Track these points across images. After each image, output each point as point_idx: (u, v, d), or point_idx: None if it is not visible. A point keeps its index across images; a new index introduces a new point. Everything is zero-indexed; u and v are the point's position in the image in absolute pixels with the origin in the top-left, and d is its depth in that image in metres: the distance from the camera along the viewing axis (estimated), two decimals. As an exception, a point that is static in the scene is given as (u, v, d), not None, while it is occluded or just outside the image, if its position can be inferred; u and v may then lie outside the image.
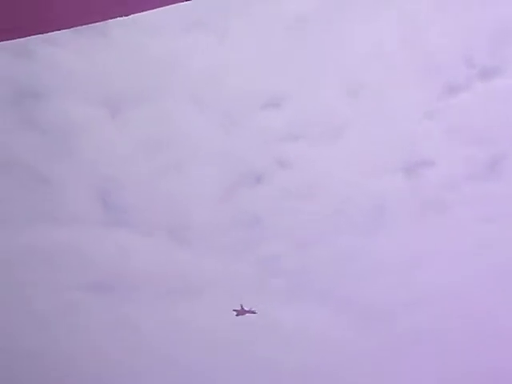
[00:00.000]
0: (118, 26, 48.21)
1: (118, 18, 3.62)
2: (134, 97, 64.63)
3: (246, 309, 51.56)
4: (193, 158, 68.63)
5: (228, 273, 64.03)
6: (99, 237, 70.96)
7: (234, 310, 52.38)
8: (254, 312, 50.32)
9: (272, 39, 55.22)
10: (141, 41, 55.62)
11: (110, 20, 3.60)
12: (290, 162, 60.81)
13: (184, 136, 67.94)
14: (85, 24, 3.57)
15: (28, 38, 3.63)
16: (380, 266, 52.77)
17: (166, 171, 71.65)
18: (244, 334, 53.20)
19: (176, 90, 60.82)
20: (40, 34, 3.63)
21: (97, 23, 3.58)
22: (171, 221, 71.84)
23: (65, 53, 57.50)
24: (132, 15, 3.65)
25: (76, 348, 58.82)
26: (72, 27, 3.70)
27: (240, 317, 53.19)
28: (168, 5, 3.54)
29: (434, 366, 46.71)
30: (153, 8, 3.55)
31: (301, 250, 61.73)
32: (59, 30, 3.62)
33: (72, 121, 68.81)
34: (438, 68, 55.46)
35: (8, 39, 3.63)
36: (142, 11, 3.53)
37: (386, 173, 54.87)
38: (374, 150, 55.38)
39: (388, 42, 54.51)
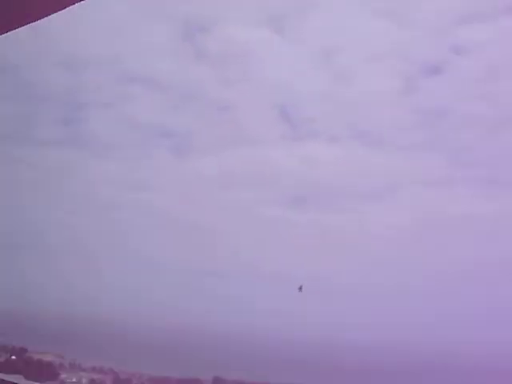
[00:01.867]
0: None
1: None
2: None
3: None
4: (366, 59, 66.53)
5: (419, 170, 62.74)
6: (288, 151, 71.67)
7: None
8: None
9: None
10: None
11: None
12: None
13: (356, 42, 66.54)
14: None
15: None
16: None
17: (341, 77, 71.05)
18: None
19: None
20: None
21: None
22: (357, 125, 70.98)
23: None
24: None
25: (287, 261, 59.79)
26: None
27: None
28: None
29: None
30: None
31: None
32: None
33: (239, 46, 68.70)
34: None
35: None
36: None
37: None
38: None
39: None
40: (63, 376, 34.05)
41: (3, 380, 3.17)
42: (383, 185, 67.92)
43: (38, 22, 3.06)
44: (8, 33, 3.28)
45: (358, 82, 68.83)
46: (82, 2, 2.82)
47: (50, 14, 2.93)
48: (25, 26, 3.18)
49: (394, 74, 69.17)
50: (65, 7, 2.88)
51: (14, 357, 33.04)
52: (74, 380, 33.45)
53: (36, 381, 26.05)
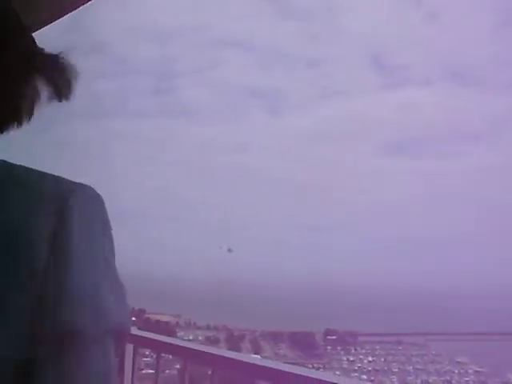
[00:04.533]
0: None
1: None
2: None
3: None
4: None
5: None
6: (384, 100, 73.66)
7: None
8: None
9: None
10: None
11: None
12: None
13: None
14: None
15: None
16: None
17: (431, 18, 70.32)
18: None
19: None
20: None
21: None
22: (452, 66, 71.09)
23: None
24: None
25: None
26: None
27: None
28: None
29: None
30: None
31: None
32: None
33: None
34: None
35: None
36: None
37: None
38: None
39: None
40: (180, 334, 35.84)
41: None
42: (484, 125, 65.13)
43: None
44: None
45: (448, 22, 65.63)
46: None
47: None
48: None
49: (486, 9, 65.62)
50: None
51: (134, 318, 35.05)
52: (190, 337, 35.09)
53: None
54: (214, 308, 41.17)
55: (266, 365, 2.63)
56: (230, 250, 47.03)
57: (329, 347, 39.93)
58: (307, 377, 2.41)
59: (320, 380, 2.35)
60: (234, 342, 35.82)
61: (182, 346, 3.23)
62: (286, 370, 2.51)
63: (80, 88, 0.89)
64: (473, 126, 64.37)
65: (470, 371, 35.64)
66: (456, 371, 36.57)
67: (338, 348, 39.01)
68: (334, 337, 40.52)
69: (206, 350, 3.09)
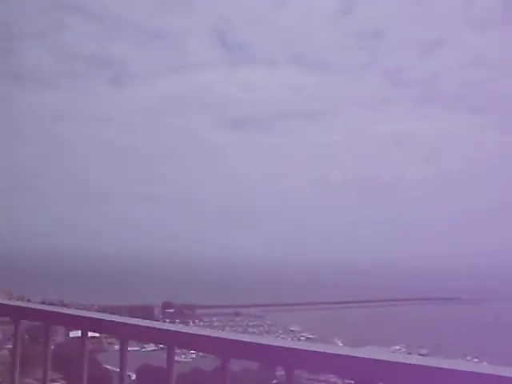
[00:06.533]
0: None
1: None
2: None
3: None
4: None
5: (355, 91, 63.02)
6: (227, 76, 70.84)
7: None
8: None
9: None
10: None
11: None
12: None
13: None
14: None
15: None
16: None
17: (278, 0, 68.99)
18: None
19: None
20: None
21: None
22: (294, 48, 70.56)
23: None
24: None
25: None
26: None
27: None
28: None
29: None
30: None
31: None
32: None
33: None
34: None
35: None
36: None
37: None
38: None
39: None
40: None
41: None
42: (321, 106, 68.82)
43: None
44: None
45: (294, 6, 68.06)
46: None
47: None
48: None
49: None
50: None
51: None
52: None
53: None
54: (49, 282, 39.40)
55: (94, 316, 3.05)
56: None
57: (167, 320, 40.07)
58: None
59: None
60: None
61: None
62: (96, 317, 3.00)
63: None
64: (312, 106, 68.04)
65: (302, 338, 37.77)
66: (289, 339, 38.57)
67: (177, 321, 39.26)
68: (171, 310, 40.71)
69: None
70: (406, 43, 59.60)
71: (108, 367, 17.99)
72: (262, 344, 2.23)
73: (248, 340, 2.28)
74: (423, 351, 33.10)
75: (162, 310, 40.55)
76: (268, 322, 39.79)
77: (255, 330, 37.45)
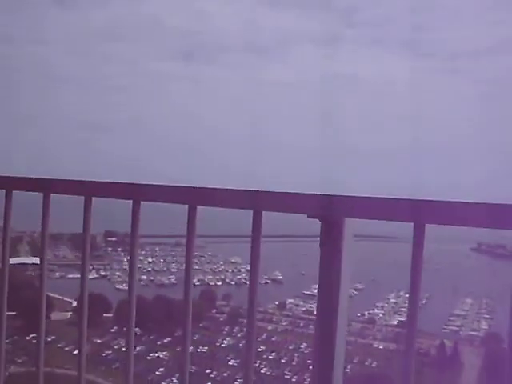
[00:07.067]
0: None
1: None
2: None
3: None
4: None
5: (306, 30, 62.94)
6: (177, 4, 68.19)
7: None
8: None
9: None
10: None
11: None
12: None
13: None
14: None
15: None
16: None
17: None
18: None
19: None
20: None
21: None
22: None
23: None
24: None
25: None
26: None
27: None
28: None
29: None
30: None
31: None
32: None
33: None
34: None
35: None
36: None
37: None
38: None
39: None
40: None
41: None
42: (272, 42, 67.80)
43: None
44: None
45: None
46: None
47: None
48: None
49: None
50: None
51: None
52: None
53: None
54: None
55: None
56: None
57: (109, 248, 40.06)
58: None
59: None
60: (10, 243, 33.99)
61: None
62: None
63: None
64: (263, 40, 67.07)
65: (242, 270, 38.55)
66: (230, 270, 39.32)
67: (119, 249, 39.34)
68: (114, 238, 40.66)
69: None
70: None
71: (49, 294, 17.97)
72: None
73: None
74: (359, 286, 34.50)
75: (105, 239, 40.46)
76: (209, 253, 40.30)
77: (197, 261, 37.92)
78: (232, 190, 2.35)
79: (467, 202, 1.73)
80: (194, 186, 2.52)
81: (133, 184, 2.69)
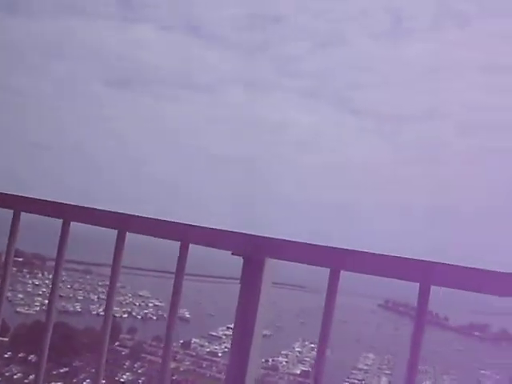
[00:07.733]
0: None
1: None
2: None
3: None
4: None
5: (243, 70, 62.60)
6: (117, 32, 65.50)
7: None
8: None
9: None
10: None
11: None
12: None
13: None
14: None
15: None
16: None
17: None
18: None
19: None
20: None
21: None
22: (191, 18, 67.48)
23: None
24: None
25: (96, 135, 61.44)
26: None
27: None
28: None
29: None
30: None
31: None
32: None
33: None
34: None
35: None
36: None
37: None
38: None
39: None
40: None
41: None
42: (209, 79, 68.49)
43: None
44: None
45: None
46: None
47: None
48: None
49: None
50: None
51: None
52: None
53: None
54: None
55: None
56: None
57: (14, 269, 38.37)
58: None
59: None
60: None
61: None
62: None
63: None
64: (196, 77, 68.03)
65: (150, 304, 37.86)
66: (137, 304, 38.47)
67: (25, 271, 37.77)
68: (20, 259, 39.05)
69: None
70: (304, 34, 60.81)
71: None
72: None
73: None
74: (266, 332, 34.53)
75: (9, 258, 38.73)
76: (118, 284, 39.30)
77: (103, 290, 36.95)
78: (162, 220, 2.40)
79: (377, 254, 1.87)
80: (122, 212, 2.55)
81: (63, 204, 2.68)
